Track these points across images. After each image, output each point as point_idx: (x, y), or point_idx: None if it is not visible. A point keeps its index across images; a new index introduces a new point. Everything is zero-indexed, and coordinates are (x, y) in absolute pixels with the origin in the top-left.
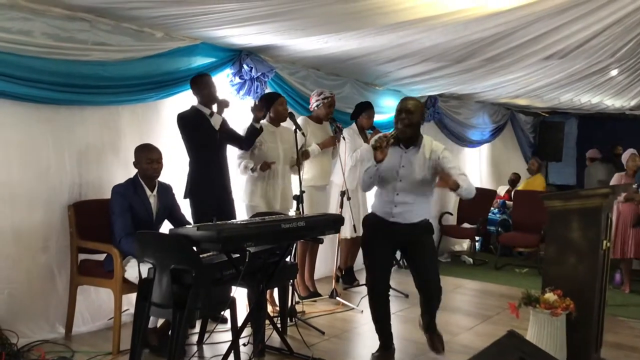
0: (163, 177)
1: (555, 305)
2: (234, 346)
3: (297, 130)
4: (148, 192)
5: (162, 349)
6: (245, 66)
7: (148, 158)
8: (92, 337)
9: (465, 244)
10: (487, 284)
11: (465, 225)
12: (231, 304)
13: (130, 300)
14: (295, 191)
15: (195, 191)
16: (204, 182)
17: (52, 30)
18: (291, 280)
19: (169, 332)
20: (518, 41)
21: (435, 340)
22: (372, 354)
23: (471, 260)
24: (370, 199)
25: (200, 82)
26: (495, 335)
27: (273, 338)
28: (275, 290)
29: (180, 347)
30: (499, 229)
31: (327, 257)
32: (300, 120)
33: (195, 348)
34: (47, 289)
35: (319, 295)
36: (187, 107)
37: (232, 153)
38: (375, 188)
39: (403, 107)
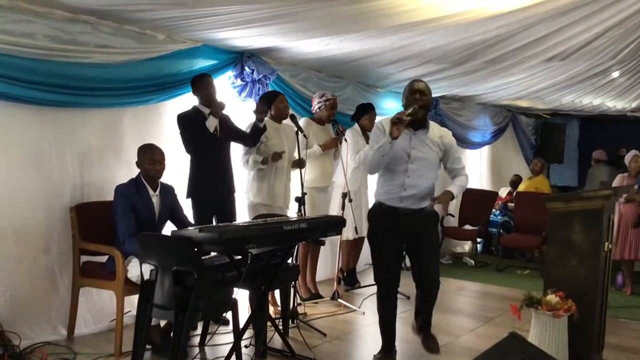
0: (165, 179)
1: (557, 307)
2: (236, 348)
3: (299, 132)
4: (151, 192)
5: (164, 349)
6: (247, 68)
7: (151, 159)
8: (94, 339)
9: (466, 246)
10: (489, 286)
11: (467, 227)
12: (233, 306)
13: (132, 302)
14: (296, 192)
15: (196, 192)
16: (203, 183)
17: (54, 33)
18: (293, 282)
19: (171, 333)
20: (519, 43)
21: (430, 342)
22: (374, 355)
23: (473, 262)
24: (371, 200)
25: (200, 83)
26: (497, 337)
27: (275, 340)
28: (277, 292)
29: (182, 348)
30: (501, 231)
31: (328, 259)
32: (302, 121)
33: (197, 350)
34: (49, 290)
35: (321, 297)
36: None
37: (235, 153)
38: (376, 177)
39: (417, 87)
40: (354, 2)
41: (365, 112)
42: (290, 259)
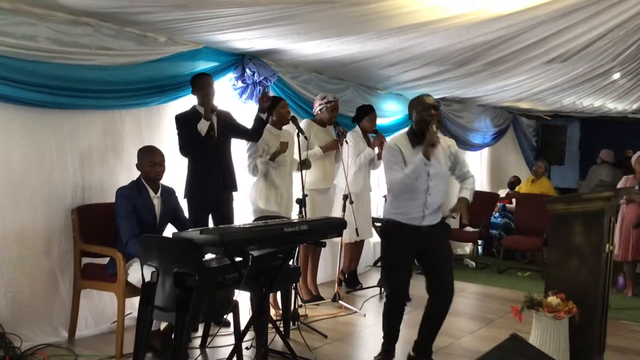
0: (165, 181)
1: (558, 309)
2: (237, 350)
3: (300, 134)
4: (152, 194)
5: (165, 352)
6: (247, 70)
7: (151, 161)
8: (95, 341)
9: (467, 248)
10: (490, 288)
11: (468, 228)
12: (234, 308)
13: (133, 303)
14: (297, 194)
15: (191, 192)
16: (199, 183)
17: (56, 35)
18: (294, 284)
19: (172, 336)
20: (520, 45)
21: None
22: (375, 357)
23: (474, 263)
24: (373, 202)
25: (198, 82)
26: (498, 339)
27: (276, 342)
28: (278, 293)
29: (183, 350)
30: (501, 232)
31: (329, 261)
32: (304, 122)
33: (198, 352)
34: (50, 292)
35: (322, 298)
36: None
37: (235, 153)
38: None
39: (432, 103)
40: (354, 4)
41: (366, 113)
42: (291, 260)
